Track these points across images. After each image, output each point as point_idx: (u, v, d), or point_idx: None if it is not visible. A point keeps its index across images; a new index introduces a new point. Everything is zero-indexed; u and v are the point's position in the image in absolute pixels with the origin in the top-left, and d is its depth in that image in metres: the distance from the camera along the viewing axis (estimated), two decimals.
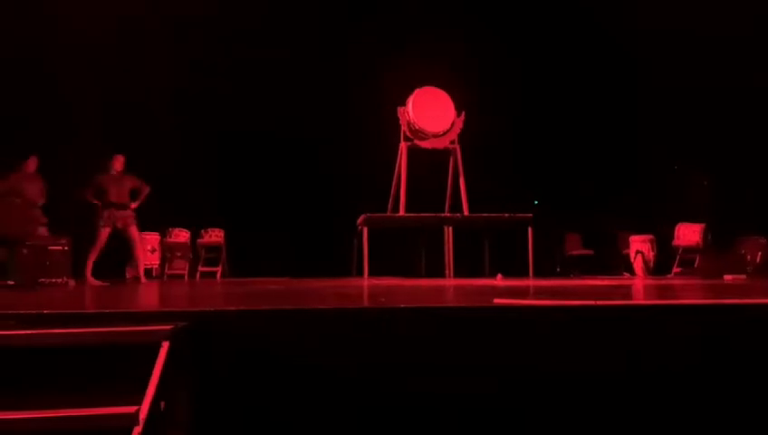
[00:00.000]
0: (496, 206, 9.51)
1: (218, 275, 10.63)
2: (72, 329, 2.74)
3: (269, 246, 10.49)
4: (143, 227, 8.65)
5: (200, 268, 10.73)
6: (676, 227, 10.53)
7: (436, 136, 9.74)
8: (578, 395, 3.01)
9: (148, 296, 5.26)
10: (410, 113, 9.62)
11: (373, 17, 10.68)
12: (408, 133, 9.74)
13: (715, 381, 3.04)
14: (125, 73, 10.10)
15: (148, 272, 9.56)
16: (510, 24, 10.93)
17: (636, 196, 10.89)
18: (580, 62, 11.22)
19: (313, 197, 10.93)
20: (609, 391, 3.02)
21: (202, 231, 10.73)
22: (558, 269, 11.29)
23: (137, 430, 2.40)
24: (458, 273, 9.17)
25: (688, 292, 5.08)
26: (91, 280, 7.91)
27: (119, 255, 8.77)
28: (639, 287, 6.01)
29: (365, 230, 9.02)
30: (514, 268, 9.05)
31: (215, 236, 10.73)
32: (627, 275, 10.53)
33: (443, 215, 9.67)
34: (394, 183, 9.86)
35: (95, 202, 8.10)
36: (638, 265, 10.56)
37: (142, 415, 2.43)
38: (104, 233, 8.07)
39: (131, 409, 2.43)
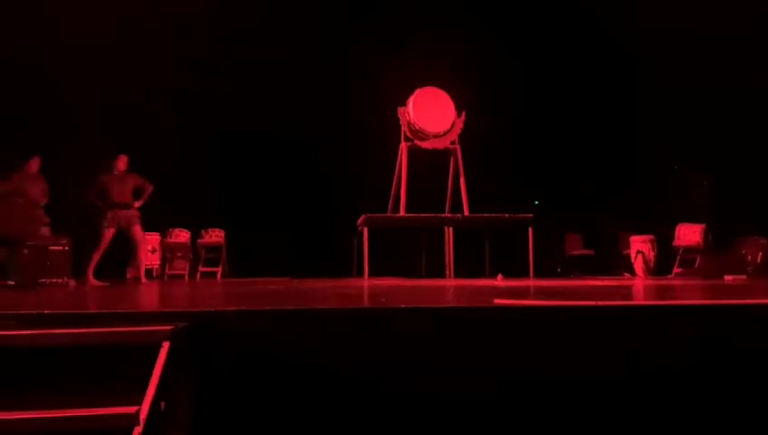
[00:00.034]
0: (497, 206, 9.51)
1: (218, 275, 10.63)
2: (73, 329, 2.74)
3: (269, 247, 10.49)
4: (143, 227, 8.65)
5: (200, 268, 10.74)
6: (677, 228, 10.52)
7: (436, 136, 9.74)
8: (578, 395, 3.00)
9: (148, 297, 5.26)
10: (411, 113, 9.62)
11: (373, 17, 10.68)
12: (408, 133, 9.74)
13: (715, 381, 3.04)
14: (125, 73, 10.11)
15: (148, 272, 9.58)
16: (510, 24, 10.93)
17: (636, 196, 10.89)
18: (580, 62, 11.21)
19: (314, 197, 10.93)
20: (609, 392, 3.01)
21: (202, 231, 10.73)
22: (558, 269, 11.28)
23: (137, 430, 2.40)
24: (459, 273, 9.17)
25: (689, 292, 5.07)
26: (92, 280, 7.92)
27: (119, 255, 8.77)
28: (640, 288, 6.00)
29: (365, 230, 9.02)
30: (515, 268, 9.05)
31: (215, 236, 10.74)
32: (627, 275, 10.52)
33: (443, 215, 9.67)
34: (394, 183, 9.86)
35: (98, 203, 8.10)
36: (638, 265, 10.55)
37: (143, 415, 2.43)
38: (108, 234, 8.08)
39: (132, 409, 2.43)
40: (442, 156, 9.96)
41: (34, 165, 8.23)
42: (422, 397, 2.94)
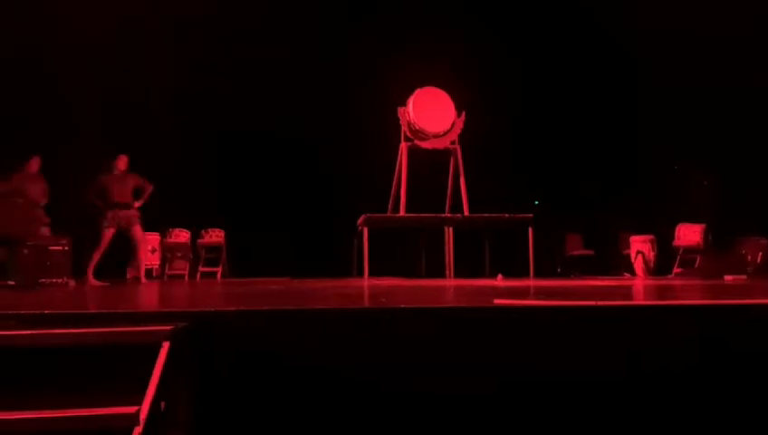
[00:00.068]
0: (497, 206, 9.51)
1: (219, 275, 10.63)
2: (73, 329, 2.74)
3: (269, 247, 10.49)
4: (143, 227, 8.65)
5: (200, 268, 10.74)
6: (677, 228, 10.52)
7: (436, 136, 9.74)
8: (578, 395, 3.00)
9: (148, 297, 5.26)
10: (411, 113, 9.62)
11: (373, 17, 10.68)
12: (408, 133, 9.74)
13: (715, 381, 3.04)
14: (125, 73, 10.11)
15: (148, 272, 9.58)
16: (510, 24, 10.93)
17: (636, 196, 10.89)
18: (581, 62, 11.21)
19: (314, 197, 10.93)
20: (609, 392, 3.01)
21: (202, 231, 10.73)
22: (558, 270, 11.28)
23: (137, 430, 2.40)
24: (459, 273, 9.16)
25: (689, 292, 5.07)
26: (92, 280, 7.92)
27: (119, 255, 8.77)
28: (640, 288, 6.00)
29: (365, 230, 9.02)
30: (515, 269, 9.05)
31: (215, 236, 10.73)
32: (627, 275, 10.52)
33: (443, 215, 9.67)
34: (394, 183, 9.86)
35: (98, 203, 8.11)
36: (638, 265, 10.55)
37: (143, 415, 2.43)
38: (108, 234, 8.09)
39: (132, 409, 2.42)
40: (442, 156, 9.96)
41: (35, 165, 8.24)
42: (422, 397, 2.94)
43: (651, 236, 10.68)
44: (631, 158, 11.14)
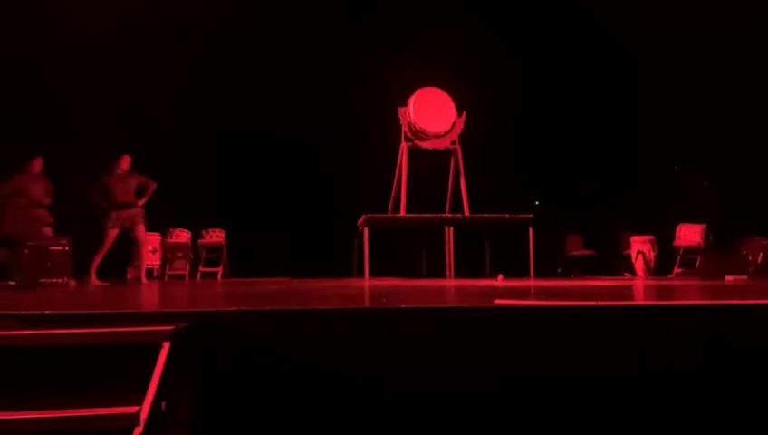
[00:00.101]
0: (497, 206, 9.51)
1: (219, 275, 10.62)
2: (74, 329, 2.74)
3: (270, 247, 10.49)
4: (146, 226, 8.68)
5: (201, 269, 10.73)
6: (678, 228, 10.52)
7: (437, 136, 9.73)
8: (579, 395, 3.00)
9: (149, 297, 5.26)
10: (411, 114, 9.61)
11: (373, 17, 10.68)
12: (408, 134, 9.74)
13: (716, 381, 3.04)
14: (125, 73, 10.11)
15: (149, 272, 9.58)
16: (510, 24, 10.93)
17: (637, 196, 10.89)
18: (581, 62, 11.21)
19: (314, 197, 10.93)
20: (610, 392, 3.01)
21: (203, 231, 10.73)
22: (559, 270, 11.28)
23: (138, 430, 2.40)
24: (459, 273, 9.16)
25: (689, 293, 5.07)
26: (94, 280, 7.93)
27: (120, 255, 8.78)
28: (640, 288, 6.00)
29: (366, 231, 9.02)
30: (515, 269, 9.05)
31: (215, 236, 10.73)
32: (628, 275, 10.52)
33: (444, 215, 9.66)
34: (395, 183, 9.86)
35: (102, 204, 8.13)
36: (639, 265, 10.55)
37: (143, 415, 2.43)
38: (112, 234, 8.14)
39: (132, 409, 2.42)
40: (442, 156, 9.95)
41: (37, 165, 8.26)
42: (424, 397, 2.93)
43: (652, 237, 10.68)
44: (632, 158, 11.14)
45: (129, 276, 9.69)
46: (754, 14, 9.66)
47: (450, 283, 7.57)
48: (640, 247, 10.64)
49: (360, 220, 9.27)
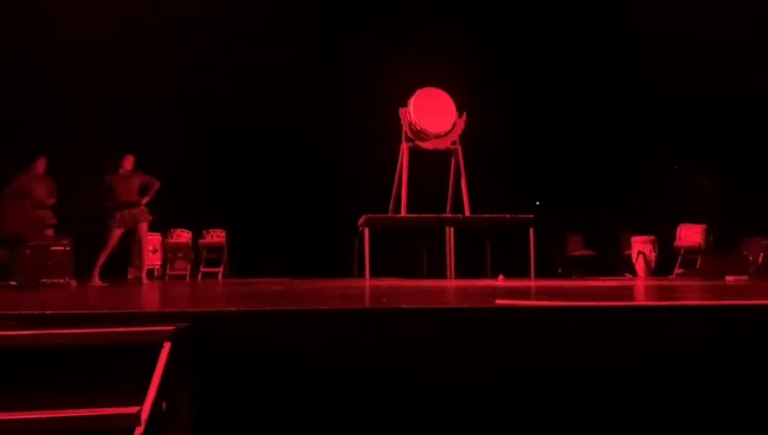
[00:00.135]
0: (498, 206, 9.51)
1: (220, 275, 10.62)
2: (74, 329, 2.73)
3: (271, 247, 10.49)
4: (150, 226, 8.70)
5: (202, 269, 10.72)
6: (678, 228, 10.51)
7: (437, 137, 9.73)
8: (580, 396, 3.00)
9: (149, 297, 5.26)
10: (412, 114, 9.61)
11: (373, 17, 10.68)
12: (409, 134, 9.73)
13: (716, 382, 3.04)
14: (125, 73, 10.12)
15: (149, 273, 9.58)
16: (510, 24, 10.93)
17: (637, 196, 10.89)
18: (581, 62, 11.21)
19: (315, 197, 10.93)
20: (610, 392, 3.01)
21: (203, 232, 10.72)
22: (559, 270, 11.27)
23: (138, 430, 2.40)
24: (460, 273, 9.15)
25: (690, 293, 5.07)
26: (96, 280, 7.94)
27: (120, 255, 8.79)
28: (641, 288, 6.00)
29: (366, 231, 9.01)
30: (516, 269, 9.04)
31: (216, 236, 10.73)
32: (628, 275, 10.52)
33: (444, 216, 9.66)
34: (395, 184, 9.85)
35: (107, 204, 8.15)
36: (639, 265, 10.54)
37: (144, 415, 2.43)
38: (116, 234, 8.17)
39: (133, 409, 2.42)
40: (443, 156, 9.95)
41: (41, 165, 8.30)
42: (424, 398, 2.93)
43: (652, 237, 10.67)
44: (632, 158, 11.14)
45: (129, 276, 9.69)
46: (754, 14, 9.66)
47: (451, 283, 7.57)
48: (641, 248, 10.63)
49: (361, 220, 9.27)
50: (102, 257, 8.08)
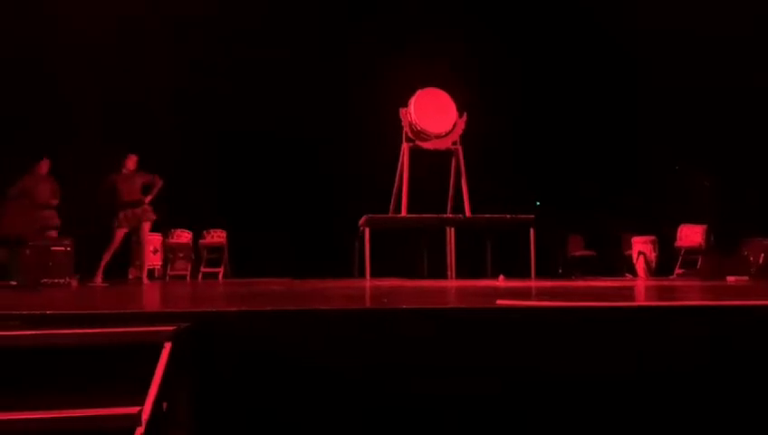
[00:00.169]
0: (498, 207, 9.50)
1: (220, 275, 10.62)
2: (75, 330, 2.73)
3: (271, 247, 10.49)
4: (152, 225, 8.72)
5: (202, 269, 10.72)
6: (679, 229, 10.50)
7: (438, 137, 9.72)
8: (580, 396, 3.00)
9: (150, 297, 5.26)
10: (412, 114, 9.60)
11: (373, 17, 10.68)
12: (409, 134, 9.73)
13: (717, 382, 3.04)
14: (125, 73, 10.12)
15: (150, 273, 9.59)
16: (510, 24, 10.93)
17: (638, 197, 10.88)
18: (581, 62, 11.21)
19: (315, 197, 10.92)
20: (611, 393, 3.01)
21: (204, 232, 10.73)
22: (560, 270, 11.26)
23: (139, 430, 2.40)
24: (460, 274, 9.14)
25: (691, 293, 5.06)
26: (99, 280, 7.95)
27: (121, 256, 8.79)
28: (642, 288, 6.00)
29: (367, 231, 9.01)
30: (516, 269, 9.03)
31: (217, 236, 10.73)
32: (629, 276, 10.51)
33: (445, 216, 9.65)
34: (396, 184, 9.85)
35: (110, 204, 8.18)
36: (640, 266, 10.54)
37: (144, 416, 2.43)
38: (120, 234, 8.22)
39: (134, 409, 2.42)
40: (443, 156, 9.95)
41: (44, 167, 8.34)
42: (424, 398, 2.93)
43: (653, 237, 10.67)
44: (632, 158, 11.14)
45: (130, 277, 9.70)
46: (754, 14, 9.66)
47: (451, 283, 7.57)
48: (641, 248, 10.63)
49: (362, 221, 9.27)
50: (106, 257, 8.12)
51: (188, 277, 10.41)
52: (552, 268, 10.99)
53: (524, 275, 8.92)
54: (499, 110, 10.47)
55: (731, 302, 3.58)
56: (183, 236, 10.60)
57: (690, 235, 10.40)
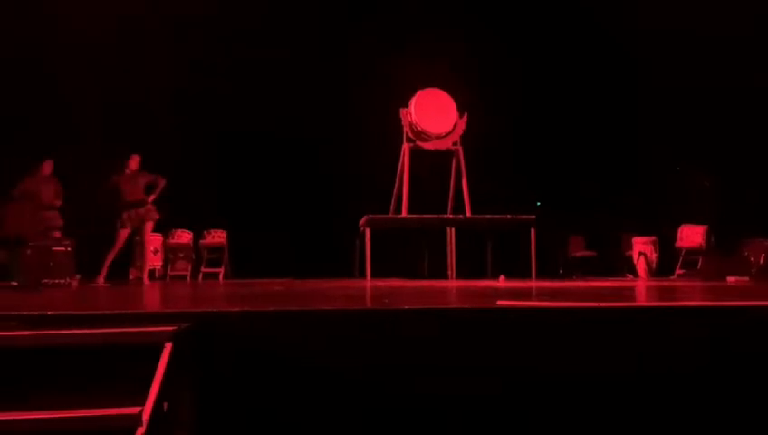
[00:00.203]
0: (499, 207, 9.48)
1: (221, 276, 10.62)
2: (76, 330, 2.73)
3: (271, 247, 10.48)
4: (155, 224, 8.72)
5: (203, 269, 10.72)
6: (680, 229, 10.50)
7: (438, 137, 9.71)
8: (581, 397, 3.00)
9: (151, 297, 5.26)
10: (412, 115, 9.59)
11: (373, 17, 10.67)
12: (410, 134, 9.71)
13: (717, 383, 3.04)
14: (125, 73, 10.12)
15: (150, 273, 9.59)
16: (510, 24, 10.92)
17: (639, 197, 10.89)
18: (581, 62, 11.20)
19: (315, 197, 10.92)
20: (612, 393, 3.01)
21: (204, 232, 10.72)
22: (561, 271, 11.26)
23: (140, 430, 2.41)
24: (461, 274, 9.14)
25: (691, 294, 5.07)
26: (101, 280, 7.96)
27: (122, 256, 8.80)
28: (642, 289, 6.00)
29: (367, 231, 8.99)
30: (517, 270, 9.02)
31: (217, 237, 10.73)
32: (630, 276, 10.51)
33: (445, 216, 9.65)
34: (396, 184, 9.84)
35: (113, 204, 8.20)
36: (640, 266, 10.53)
37: (145, 416, 2.43)
38: (123, 234, 8.25)
39: (134, 410, 2.43)
40: (444, 157, 9.94)
41: (47, 167, 8.36)
42: (425, 399, 2.93)
43: (654, 238, 10.66)
44: (632, 158, 11.13)
45: (131, 277, 9.70)
46: (754, 14, 9.66)
47: (452, 284, 7.57)
48: (642, 248, 10.62)
49: (362, 221, 9.26)
50: (110, 258, 8.16)
51: (189, 278, 10.41)
52: (553, 269, 10.99)
53: (525, 275, 8.90)
54: (499, 110, 10.47)
55: (731, 302, 3.58)
56: (183, 237, 10.60)
57: (691, 235, 10.39)
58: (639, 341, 3.07)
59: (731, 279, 8.19)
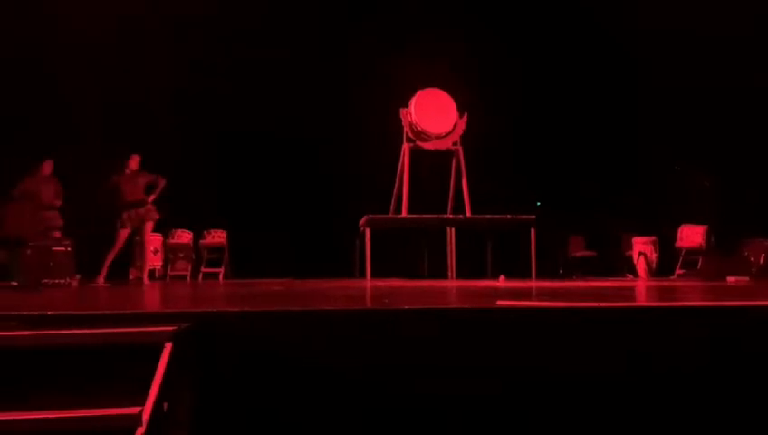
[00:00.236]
0: (499, 207, 9.48)
1: (221, 276, 10.61)
2: (76, 330, 2.73)
3: (272, 247, 10.48)
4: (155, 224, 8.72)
5: (203, 269, 10.72)
6: (680, 229, 10.49)
7: (438, 137, 9.71)
8: (581, 397, 3.00)
9: (150, 297, 5.26)
10: (413, 115, 9.59)
11: (373, 17, 10.67)
12: (410, 134, 9.71)
13: (718, 383, 3.04)
14: (125, 73, 10.12)
15: (150, 273, 9.59)
16: (510, 24, 10.92)
17: (639, 197, 10.89)
18: (581, 62, 11.20)
19: (315, 197, 10.92)
20: (612, 393, 3.01)
21: (204, 232, 10.72)
22: (560, 271, 11.25)
23: (140, 430, 2.41)
24: (461, 274, 9.14)
25: (691, 294, 5.07)
26: (101, 280, 7.96)
27: (122, 256, 8.80)
28: (642, 289, 6.00)
29: (367, 231, 8.99)
30: (517, 270, 9.02)
31: (217, 237, 10.73)
32: (630, 276, 10.51)
33: (445, 216, 9.65)
34: (396, 184, 9.84)
35: (116, 203, 8.21)
36: (640, 266, 10.53)
37: (145, 416, 2.43)
38: (123, 234, 8.26)
39: (134, 410, 2.43)
40: (444, 157, 9.94)
41: (48, 168, 8.37)
42: (425, 399, 2.93)
43: (654, 238, 10.66)
44: (632, 158, 11.13)
45: (131, 277, 9.69)
46: (754, 14, 9.66)
47: (452, 283, 7.57)
48: (642, 248, 10.62)
49: (362, 221, 9.26)
50: (110, 258, 8.16)
51: (189, 278, 10.41)
52: (553, 269, 10.99)
53: (525, 275, 8.90)
54: (499, 110, 10.46)
55: (731, 302, 3.58)
56: (183, 237, 10.60)
57: (691, 235, 10.39)
58: (639, 341, 3.07)
59: (731, 279, 8.18)
